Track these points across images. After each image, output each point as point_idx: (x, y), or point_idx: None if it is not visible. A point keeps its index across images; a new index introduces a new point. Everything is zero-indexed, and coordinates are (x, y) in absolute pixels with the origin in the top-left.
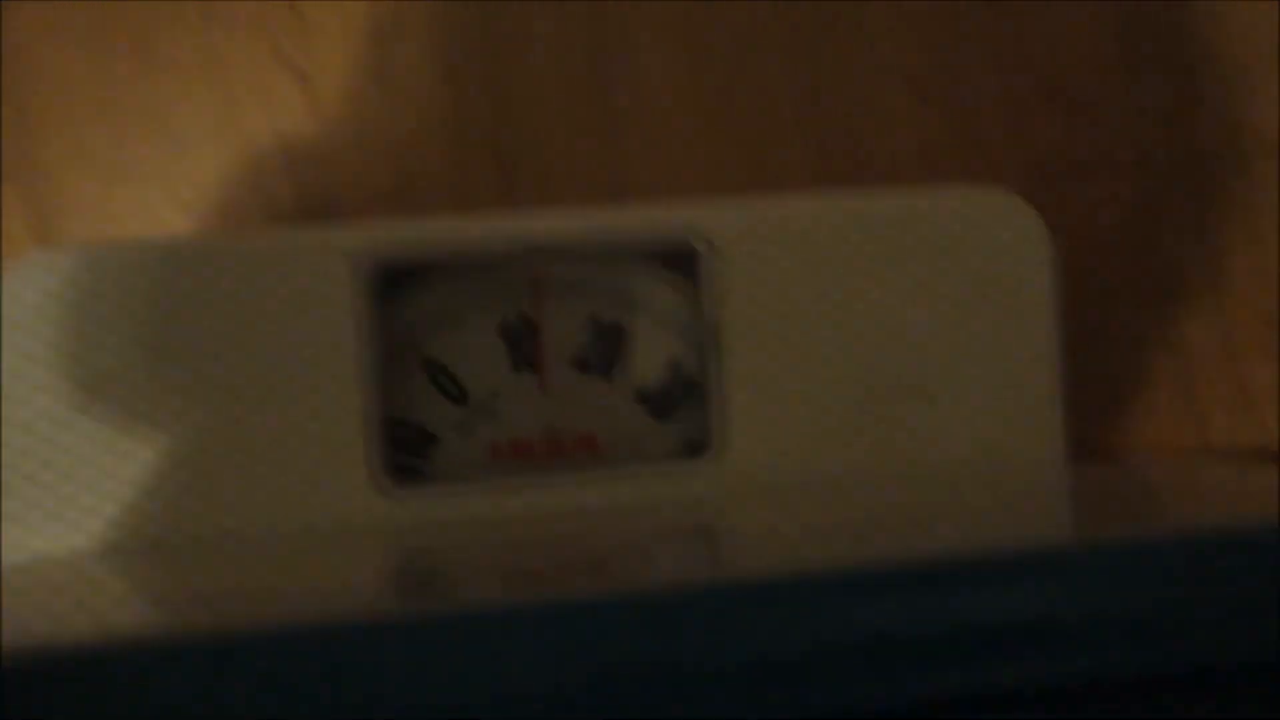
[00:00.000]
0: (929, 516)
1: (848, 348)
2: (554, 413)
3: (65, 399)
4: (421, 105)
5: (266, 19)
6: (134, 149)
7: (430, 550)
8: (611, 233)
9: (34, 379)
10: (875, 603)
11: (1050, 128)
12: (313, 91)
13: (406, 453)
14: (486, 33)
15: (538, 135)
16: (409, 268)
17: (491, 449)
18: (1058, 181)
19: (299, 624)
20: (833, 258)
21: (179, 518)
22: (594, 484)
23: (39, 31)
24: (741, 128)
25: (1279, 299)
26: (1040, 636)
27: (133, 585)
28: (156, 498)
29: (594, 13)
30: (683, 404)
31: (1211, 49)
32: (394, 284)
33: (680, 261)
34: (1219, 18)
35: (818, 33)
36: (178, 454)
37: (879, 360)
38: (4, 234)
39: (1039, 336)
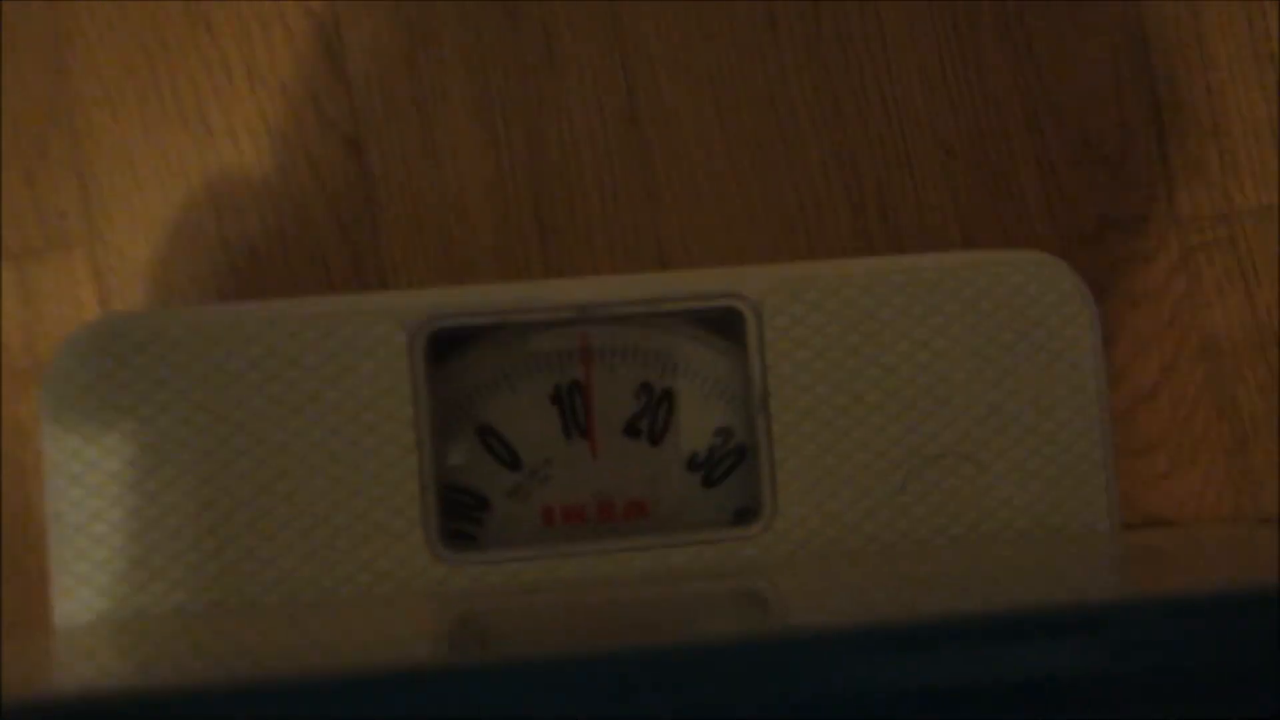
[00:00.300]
0: (975, 579)
1: (895, 412)
2: (605, 479)
3: (131, 462)
4: (465, 173)
5: (314, 87)
6: (192, 217)
7: (481, 613)
8: (658, 296)
9: (102, 442)
10: (914, 658)
11: (1083, 185)
12: (361, 157)
13: (460, 518)
14: (526, 99)
15: (578, 201)
16: (462, 334)
17: (544, 514)
18: (1093, 239)
19: (316, 674)
20: (878, 321)
21: (238, 581)
22: (645, 550)
23: (100, 105)
24: (775, 190)
25: None
26: (1077, 693)
27: (184, 644)
28: (216, 561)
29: (631, 80)
30: (732, 471)
31: (1243, 110)
32: (448, 350)
33: (728, 327)
34: (1246, 80)
35: (848, 97)
36: (237, 518)
37: (926, 425)
38: (73, 300)
39: (1086, 400)
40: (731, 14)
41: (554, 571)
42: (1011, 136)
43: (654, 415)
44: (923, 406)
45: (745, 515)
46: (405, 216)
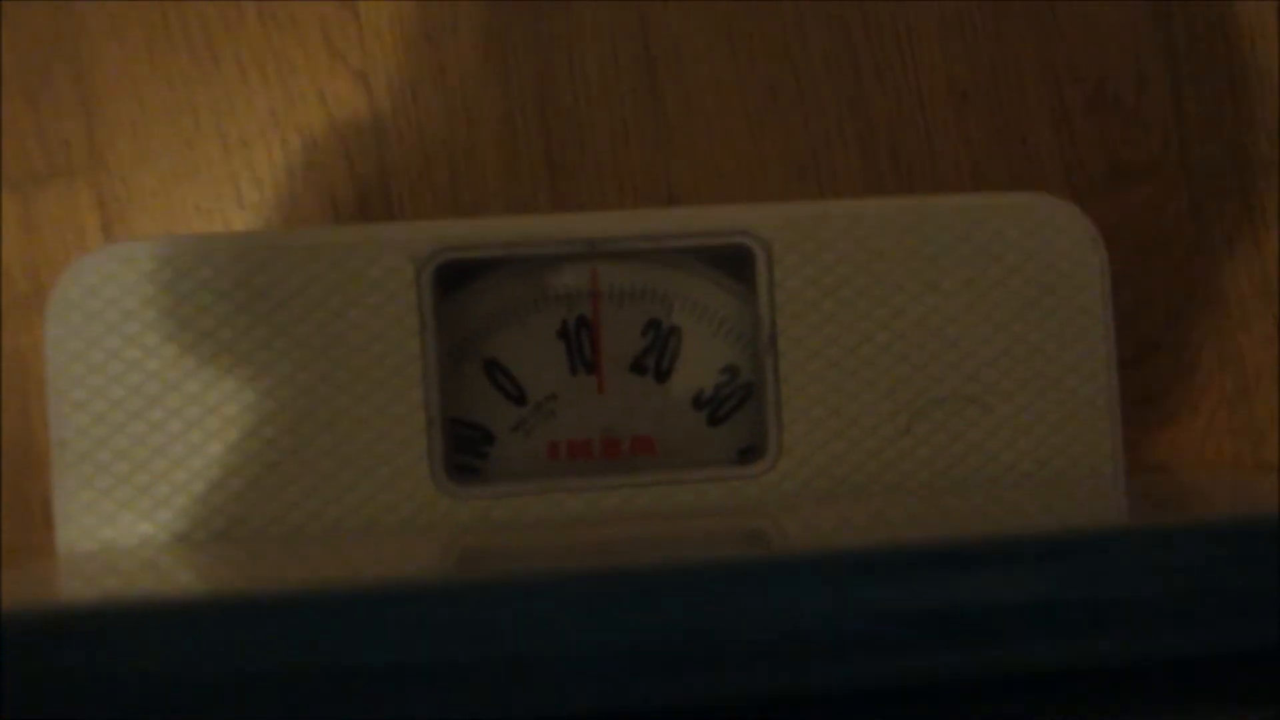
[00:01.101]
0: (973, 513)
1: (902, 354)
2: (611, 415)
3: (136, 390)
4: (474, 106)
5: (324, 20)
6: (198, 147)
7: (474, 548)
8: (668, 232)
9: (107, 370)
10: (905, 581)
11: (1095, 133)
12: (369, 91)
13: (466, 451)
14: (538, 34)
15: (588, 141)
16: (470, 267)
17: (549, 449)
18: (1102, 187)
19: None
20: (887, 262)
21: (244, 510)
22: (649, 486)
23: (106, 34)
24: (787, 132)
25: None
26: (1066, 617)
27: (185, 571)
28: (222, 490)
29: (644, 18)
30: (738, 409)
31: (1256, 58)
32: (455, 283)
33: (737, 266)
34: (1262, 29)
35: (862, 38)
36: (243, 447)
37: (933, 366)
38: (76, 229)
39: (1094, 345)
40: None
41: (558, 506)
42: (1026, 83)
43: (661, 352)
44: (930, 348)
45: (750, 454)
46: (413, 151)
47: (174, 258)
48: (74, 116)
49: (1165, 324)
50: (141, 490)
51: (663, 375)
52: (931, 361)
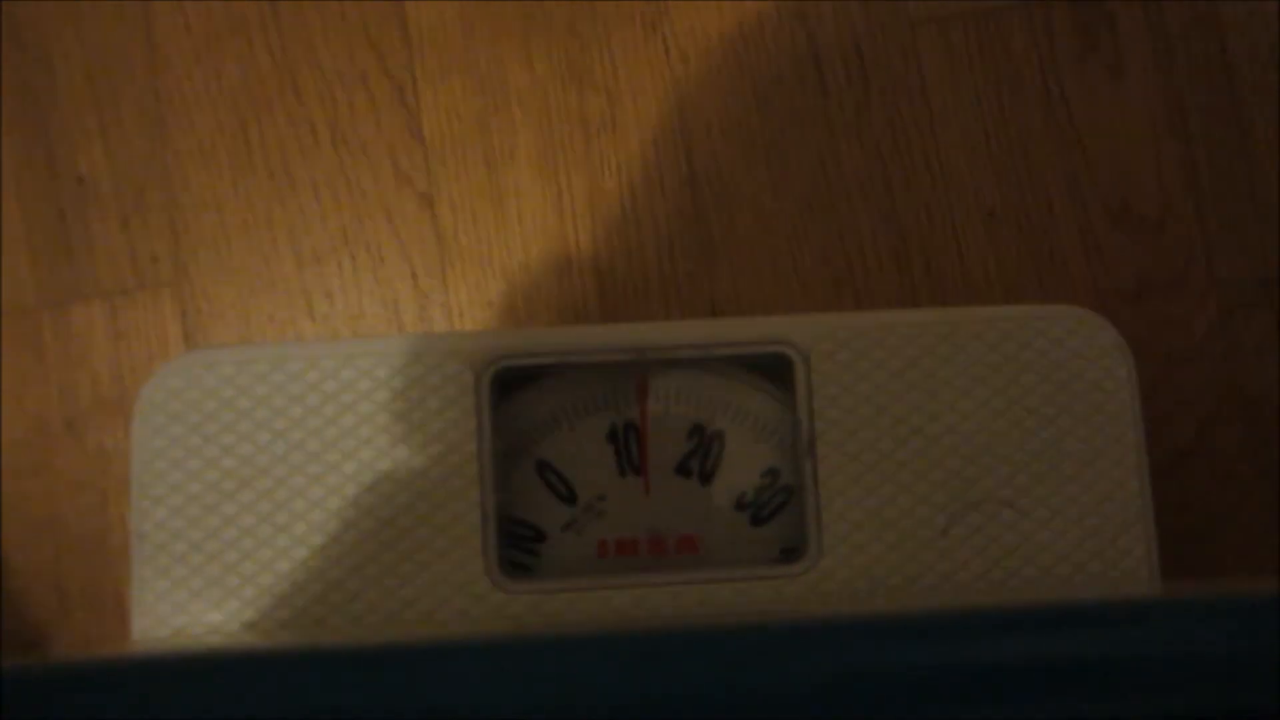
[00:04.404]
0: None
1: (938, 458)
2: (657, 515)
3: (212, 486)
4: (529, 225)
5: (392, 147)
6: (273, 263)
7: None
8: (711, 342)
9: (186, 466)
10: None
11: (1123, 248)
12: (433, 211)
13: (519, 548)
14: (590, 161)
15: (635, 256)
16: (525, 374)
17: (598, 547)
18: (1132, 300)
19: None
20: (921, 371)
21: (308, 601)
22: (694, 584)
23: (194, 159)
24: (823, 250)
25: None
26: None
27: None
28: (288, 582)
29: (687, 139)
30: (780, 510)
31: (1277, 176)
32: (511, 389)
33: (777, 373)
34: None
35: (894, 163)
36: (310, 542)
37: (969, 471)
38: (160, 337)
39: (1125, 452)
40: (785, 83)
41: (607, 602)
42: (1053, 201)
43: (705, 455)
44: (965, 453)
45: (791, 554)
46: (472, 265)
47: (251, 364)
48: (162, 234)
49: (1197, 433)
50: (213, 581)
51: (706, 477)
52: (966, 466)
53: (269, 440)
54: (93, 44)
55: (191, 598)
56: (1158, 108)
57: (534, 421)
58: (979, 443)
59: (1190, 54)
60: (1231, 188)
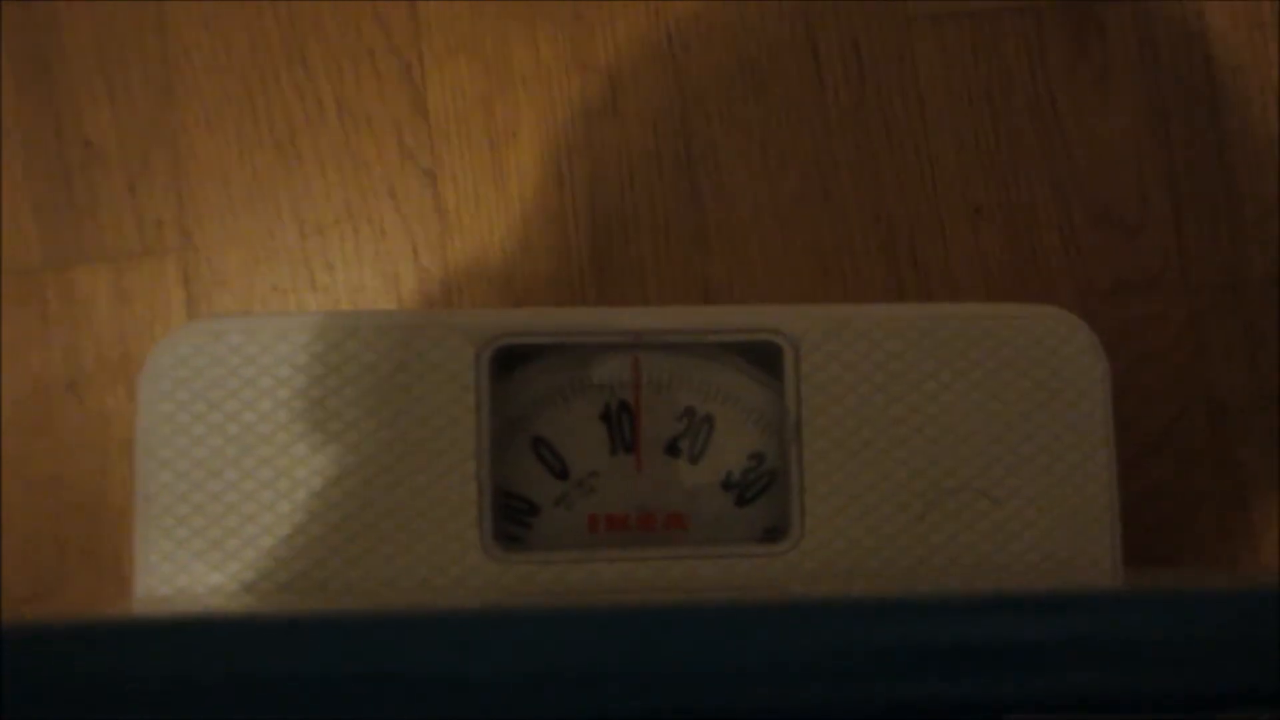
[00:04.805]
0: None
1: (918, 447)
2: (647, 492)
3: (216, 451)
4: (529, 206)
5: (397, 122)
6: (277, 233)
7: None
8: (705, 328)
9: (191, 431)
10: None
11: (1101, 248)
12: (435, 188)
13: (512, 521)
14: (591, 144)
15: (632, 239)
16: (523, 353)
17: (589, 521)
18: (1108, 299)
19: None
20: (905, 363)
21: (307, 565)
22: (680, 559)
23: (201, 127)
24: (814, 236)
25: None
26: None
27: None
28: (288, 546)
29: (686, 128)
30: (764, 492)
31: (1252, 182)
32: (509, 367)
33: (767, 360)
34: (1257, 155)
35: (886, 158)
36: (309, 508)
37: (947, 460)
38: (163, 302)
39: (1095, 446)
40: (784, 76)
41: (596, 575)
42: (1037, 201)
43: (694, 437)
44: (943, 443)
45: (774, 534)
46: (472, 244)
47: (257, 333)
48: (167, 200)
49: (1165, 429)
50: (215, 543)
51: (695, 458)
52: (945, 455)
53: (272, 408)
54: (101, 9)
55: (194, 559)
56: (1142, 114)
57: (530, 399)
58: (958, 433)
59: (1175, 63)
60: (1207, 196)
